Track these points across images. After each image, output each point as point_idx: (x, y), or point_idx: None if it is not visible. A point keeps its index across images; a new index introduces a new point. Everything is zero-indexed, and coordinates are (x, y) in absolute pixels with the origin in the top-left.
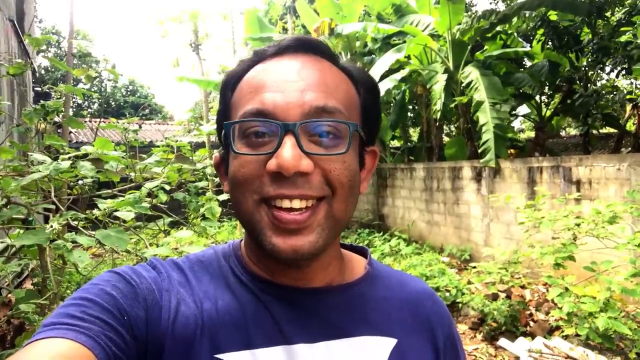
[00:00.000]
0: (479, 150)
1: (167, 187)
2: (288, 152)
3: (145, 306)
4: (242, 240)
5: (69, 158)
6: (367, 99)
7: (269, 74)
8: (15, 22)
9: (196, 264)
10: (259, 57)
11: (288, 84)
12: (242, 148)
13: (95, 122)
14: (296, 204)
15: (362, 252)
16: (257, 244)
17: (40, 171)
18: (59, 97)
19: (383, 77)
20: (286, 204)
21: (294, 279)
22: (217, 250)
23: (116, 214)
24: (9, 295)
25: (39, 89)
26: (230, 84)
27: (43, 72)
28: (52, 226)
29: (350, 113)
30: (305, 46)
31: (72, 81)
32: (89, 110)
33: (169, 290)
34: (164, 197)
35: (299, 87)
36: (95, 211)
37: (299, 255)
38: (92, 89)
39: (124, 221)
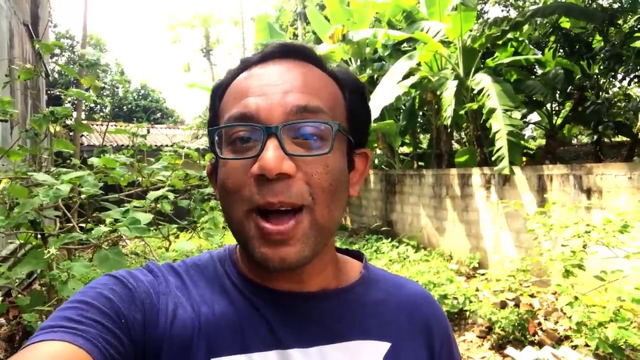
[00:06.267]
0: (493, 158)
1: (172, 196)
2: (270, 154)
3: (142, 309)
4: (237, 245)
5: (72, 176)
6: (353, 101)
7: (253, 80)
8: (30, 27)
9: (192, 268)
10: (244, 65)
11: (271, 87)
12: (228, 153)
13: (107, 125)
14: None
15: (358, 256)
16: (247, 253)
17: (38, 194)
18: (71, 101)
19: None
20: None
21: (288, 283)
22: (212, 254)
23: (119, 228)
24: (20, 296)
25: (52, 92)
26: (218, 93)
27: (57, 75)
28: (49, 251)
29: (335, 114)
30: (289, 51)
31: (84, 86)
32: (101, 113)
33: (167, 294)
34: (167, 207)
35: (281, 89)
36: (94, 231)
37: (286, 265)
38: (104, 93)
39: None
